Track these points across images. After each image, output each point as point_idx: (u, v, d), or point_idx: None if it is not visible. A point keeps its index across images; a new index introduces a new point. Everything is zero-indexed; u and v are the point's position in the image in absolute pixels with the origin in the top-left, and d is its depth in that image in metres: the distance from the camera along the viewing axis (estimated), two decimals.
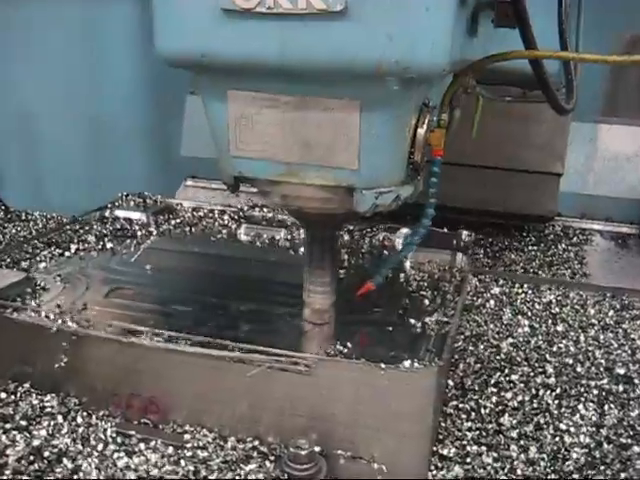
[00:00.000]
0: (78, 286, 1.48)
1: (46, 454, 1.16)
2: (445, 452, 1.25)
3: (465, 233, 1.73)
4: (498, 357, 1.53)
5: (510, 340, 1.60)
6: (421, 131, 1.10)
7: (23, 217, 2.56)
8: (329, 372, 1.14)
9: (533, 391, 1.41)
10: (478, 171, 2.12)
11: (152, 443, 1.20)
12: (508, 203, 2.16)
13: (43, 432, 1.20)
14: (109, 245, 1.71)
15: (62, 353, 1.25)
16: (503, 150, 2.11)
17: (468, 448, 1.26)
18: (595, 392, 1.42)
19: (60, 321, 1.26)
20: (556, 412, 1.35)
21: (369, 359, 1.14)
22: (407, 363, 1.11)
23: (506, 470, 1.21)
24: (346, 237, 1.80)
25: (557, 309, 1.77)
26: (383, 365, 1.11)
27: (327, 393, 1.15)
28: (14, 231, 2.44)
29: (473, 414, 1.34)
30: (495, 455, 1.24)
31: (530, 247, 2.22)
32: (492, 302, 1.80)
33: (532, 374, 1.47)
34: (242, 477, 1.11)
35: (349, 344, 1.24)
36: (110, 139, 2.82)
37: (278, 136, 1.11)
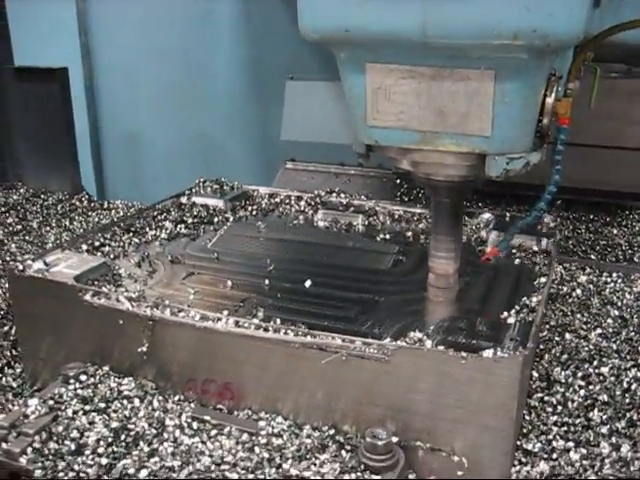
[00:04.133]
0: (155, 271, 1.48)
1: (123, 437, 1.16)
2: (530, 447, 1.20)
3: (550, 218, 1.65)
4: (587, 348, 1.45)
5: (599, 331, 1.52)
6: (549, 100, 1.14)
7: (105, 206, 2.63)
8: (408, 360, 1.10)
9: (625, 385, 1.33)
10: (580, 149, 2.05)
11: (227, 429, 1.19)
12: (612, 181, 2.12)
13: (121, 415, 1.21)
14: (185, 231, 1.71)
15: (143, 338, 1.26)
16: (608, 127, 2.06)
17: (554, 443, 1.20)
18: None
19: (138, 306, 1.27)
20: None
21: (450, 347, 1.09)
22: (490, 352, 1.06)
23: (596, 469, 1.14)
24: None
25: None
26: (464, 354, 1.06)
27: (406, 382, 1.11)
28: (97, 219, 2.50)
29: (560, 407, 1.28)
30: (584, 452, 1.18)
31: (635, 224, 2.16)
32: (579, 291, 1.71)
33: (624, 367, 1.39)
34: (317, 466, 1.09)
35: (429, 330, 1.20)
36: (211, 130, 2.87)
37: (414, 106, 1.17)
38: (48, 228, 2.40)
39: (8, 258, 2.14)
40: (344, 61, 1.21)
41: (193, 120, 2.93)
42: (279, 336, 1.17)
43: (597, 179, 2.13)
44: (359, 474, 1.06)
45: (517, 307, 1.27)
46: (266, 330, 1.18)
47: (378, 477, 1.06)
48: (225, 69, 2.80)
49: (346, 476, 1.06)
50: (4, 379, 1.47)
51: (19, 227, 2.40)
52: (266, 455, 1.11)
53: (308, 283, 1.42)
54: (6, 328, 1.65)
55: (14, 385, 1.46)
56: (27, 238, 2.31)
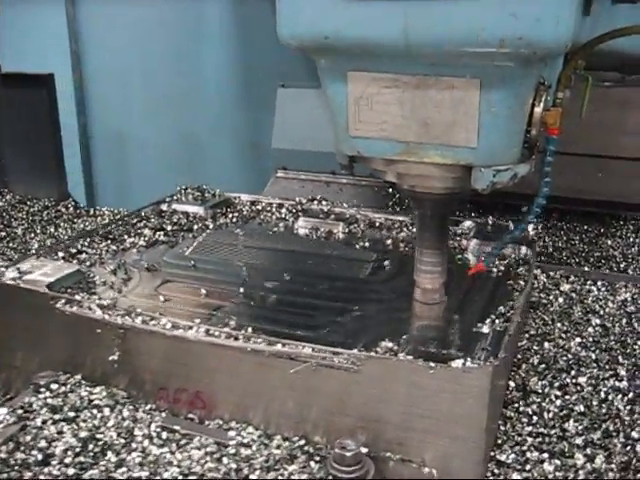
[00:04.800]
0: (130, 279, 1.47)
1: (91, 447, 1.15)
2: (503, 458, 1.18)
3: (531, 226, 1.64)
4: (565, 358, 1.43)
5: (578, 340, 1.50)
6: (538, 109, 1.12)
7: (92, 213, 2.62)
8: (378, 370, 1.09)
9: (602, 395, 1.32)
10: (573, 158, 2.03)
11: (196, 439, 1.17)
12: (605, 191, 2.09)
13: (90, 424, 1.20)
14: (164, 238, 1.70)
15: (114, 346, 1.25)
16: (600, 137, 2.03)
17: (528, 454, 1.19)
18: None
19: (110, 314, 1.26)
20: (627, 419, 1.25)
21: (420, 357, 1.08)
22: (459, 362, 1.05)
23: None
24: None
25: (632, 307, 1.65)
26: (433, 364, 1.05)
27: (376, 392, 1.10)
28: (82, 226, 2.49)
29: (535, 418, 1.26)
30: (558, 463, 1.16)
31: (629, 234, 2.14)
32: (561, 299, 1.70)
33: (602, 377, 1.37)
34: (285, 477, 1.07)
35: (400, 341, 1.19)
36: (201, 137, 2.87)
37: (397, 116, 1.14)
38: (32, 235, 2.40)
39: None
40: (325, 69, 1.18)
41: (183, 127, 2.92)
42: (249, 345, 1.16)
43: (590, 189, 2.10)
44: None
45: (492, 316, 1.26)
46: (236, 339, 1.17)
47: None
48: (215, 75, 2.79)
49: None
50: None
51: (3, 234, 2.40)
52: (234, 466, 1.10)
53: (273, 298, 1.41)
54: None
55: None
56: (11, 245, 2.30)
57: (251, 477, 1.07)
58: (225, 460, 1.11)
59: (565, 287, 1.76)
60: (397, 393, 1.09)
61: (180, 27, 2.78)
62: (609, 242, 2.10)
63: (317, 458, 1.12)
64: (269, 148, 2.46)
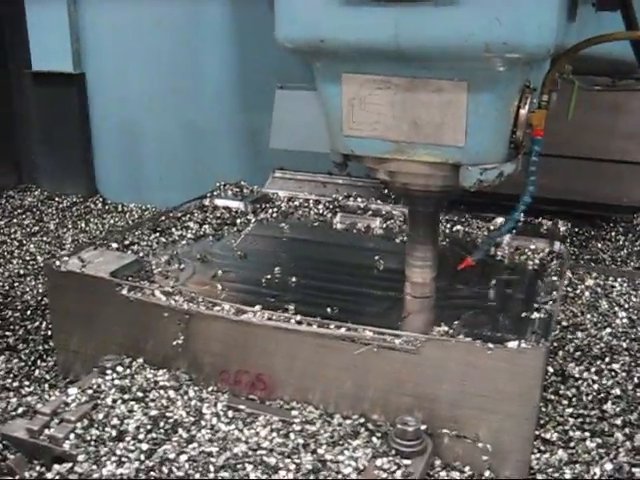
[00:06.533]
0: (186, 269, 1.54)
1: (162, 424, 1.22)
2: (547, 436, 1.25)
3: (561, 222, 1.72)
4: (598, 346, 1.52)
5: (609, 330, 1.58)
6: (523, 111, 1.16)
7: (120, 209, 2.68)
8: (436, 351, 1.16)
9: (636, 380, 1.40)
10: (564, 161, 2.10)
11: (261, 417, 1.24)
12: (595, 193, 2.13)
13: (158, 404, 1.26)
14: (210, 231, 1.77)
15: (179, 331, 1.31)
16: (590, 140, 2.08)
17: (571, 433, 1.26)
18: None
19: (174, 300, 1.32)
20: None
21: (476, 339, 1.16)
22: (514, 343, 1.12)
23: (611, 456, 1.20)
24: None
25: None
26: (491, 345, 1.12)
27: (434, 372, 1.17)
28: (112, 221, 2.56)
29: (575, 400, 1.34)
30: (599, 441, 1.24)
31: (619, 237, 2.19)
32: (587, 293, 1.78)
33: (634, 364, 1.45)
34: (350, 450, 1.14)
35: (455, 324, 1.26)
36: (202, 136, 2.92)
37: (388, 116, 1.19)
38: (65, 230, 2.46)
39: (28, 258, 2.20)
40: (320, 71, 1.23)
41: (182, 127, 2.95)
42: (313, 329, 1.23)
43: (581, 191, 2.13)
44: (390, 458, 1.12)
45: (535, 305, 1.33)
46: (300, 323, 1.24)
47: (408, 461, 1.12)
48: (214, 76, 2.82)
49: (378, 460, 1.12)
50: (37, 371, 1.53)
51: (36, 228, 2.46)
52: (301, 441, 1.17)
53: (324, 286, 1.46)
54: (36, 323, 1.71)
55: (47, 377, 1.51)
56: (45, 239, 2.36)
57: (319, 451, 1.14)
58: (292, 436, 1.18)
59: (590, 282, 1.85)
60: (454, 373, 1.16)
61: (179, 28, 2.81)
62: (599, 245, 2.14)
63: (378, 434, 1.19)
64: (267, 149, 2.51)
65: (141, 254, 1.58)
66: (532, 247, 1.65)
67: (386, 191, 2.27)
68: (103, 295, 1.40)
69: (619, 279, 1.87)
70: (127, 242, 1.63)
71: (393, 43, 1.08)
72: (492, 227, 1.78)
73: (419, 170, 1.23)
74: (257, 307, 1.29)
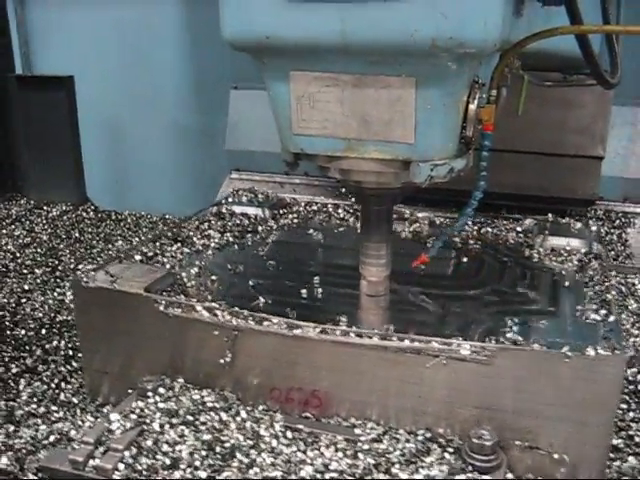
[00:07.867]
0: (218, 281, 1.47)
1: (218, 449, 1.14)
2: (614, 443, 1.22)
3: (591, 222, 1.70)
4: None
5: None
6: (472, 107, 1.15)
7: (113, 217, 2.58)
8: (508, 361, 1.12)
9: None
10: (518, 156, 2.09)
11: (323, 437, 1.18)
12: (549, 187, 2.12)
13: (210, 427, 1.19)
14: (232, 239, 1.70)
15: (226, 349, 1.24)
16: (543, 135, 2.08)
17: (637, 439, 1.23)
18: None
19: (220, 316, 1.25)
20: None
21: (547, 347, 1.12)
22: (592, 351, 1.09)
23: None
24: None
25: None
26: (569, 353, 1.08)
27: (507, 383, 1.13)
28: (107, 230, 2.45)
29: (633, 405, 1.31)
30: None
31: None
32: (613, 292, 1.75)
33: None
34: (426, 468, 1.09)
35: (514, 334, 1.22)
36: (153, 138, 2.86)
37: (338, 113, 1.16)
38: (58, 240, 2.35)
39: (26, 271, 2.09)
40: (267, 69, 1.20)
41: (137, 130, 2.88)
42: (374, 341, 1.17)
43: (535, 185, 2.11)
44: (469, 475, 1.07)
45: (594, 306, 1.30)
46: (359, 336, 1.19)
47: (487, 477, 1.07)
48: (169, 78, 2.78)
49: (456, 478, 1.07)
50: (63, 395, 1.44)
51: (28, 239, 2.34)
52: (371, 461, 1.11)
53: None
54: (54, 343, 1.61)
55: (75, 401, 1.42)
56: (39, 250, 2.25)
57: (392, 470, 1.09)
58: (361, 456, 1.13)
59: (612, 280, 1.83)
60: (527, 382, 1.12)
61: (133, 30, 2.77)
62: None
63: (450, 449, 1.14)
64: (222, 150, 2.46)
65: (167, 266, 1.50)
66: (568, 248, 1.62)
67: (343, 190, 2.22)
68: (137, 312, 1.32)
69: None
70: (150, 254, 1.54)
71: (340, 40, 1.06)
72: (519, 228, 1.75)
73: (370, 167, 1.21)
74: (309, 322, 1.23)
